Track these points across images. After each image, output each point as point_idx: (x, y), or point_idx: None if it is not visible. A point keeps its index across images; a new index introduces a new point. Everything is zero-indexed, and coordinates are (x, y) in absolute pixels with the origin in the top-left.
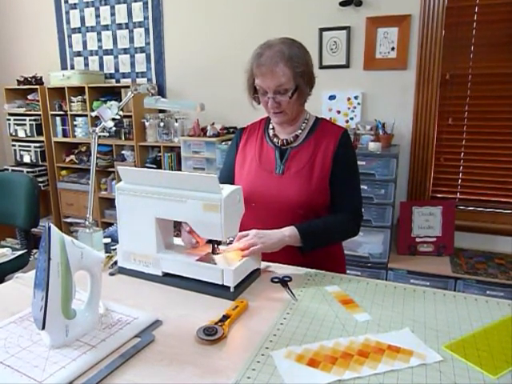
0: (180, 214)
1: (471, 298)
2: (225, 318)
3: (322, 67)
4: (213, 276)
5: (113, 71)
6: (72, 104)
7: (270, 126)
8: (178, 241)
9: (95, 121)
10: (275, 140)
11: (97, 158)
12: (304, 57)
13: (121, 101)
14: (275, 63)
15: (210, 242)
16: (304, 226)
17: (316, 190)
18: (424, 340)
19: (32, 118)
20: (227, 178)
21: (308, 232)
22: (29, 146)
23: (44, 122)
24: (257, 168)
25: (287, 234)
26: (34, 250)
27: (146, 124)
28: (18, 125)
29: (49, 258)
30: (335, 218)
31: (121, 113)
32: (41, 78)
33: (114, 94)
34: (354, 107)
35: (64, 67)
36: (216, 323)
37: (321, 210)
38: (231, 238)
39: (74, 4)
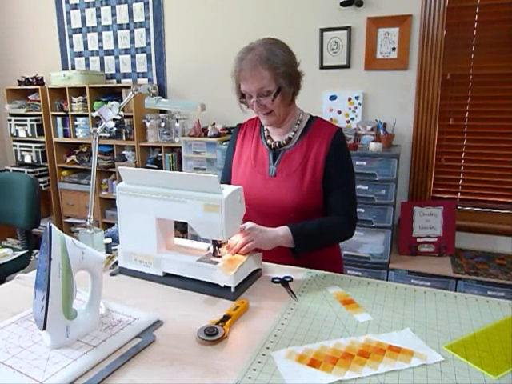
0: (181, 215)
1: (472, 298)
2: (225, 318)
3: (322, 67)
4: (213, 276)
5: (114, 71)
6: (73, 104)
7: (265, 127)
8: (178, 241)
9: (96, 121)
10: (269, 141)
11: (98, 158)
12: (285, 57)
13: (122, 101)
14: (254, 66)
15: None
16: (297, 228)
17: (308, 192)
18: (425, 340)
19: (33, 118)
20: (228, 178)
21: (301, 234)
22: (30, 147)
23: (45, 122)
24: (251, 169)
25: (281, 233)
26: (35, 251)
27: (147, 124)
28: (18, 125)
29: (50, 259)
30: (329, 220)
31: (122, 113)
32: (42, 78)
33: (114, 94)
34: (355, 107)
35: (65, 67)
36: (217, 323)
37: (313, 213)
38: (232, 239)
39: (75, 4)
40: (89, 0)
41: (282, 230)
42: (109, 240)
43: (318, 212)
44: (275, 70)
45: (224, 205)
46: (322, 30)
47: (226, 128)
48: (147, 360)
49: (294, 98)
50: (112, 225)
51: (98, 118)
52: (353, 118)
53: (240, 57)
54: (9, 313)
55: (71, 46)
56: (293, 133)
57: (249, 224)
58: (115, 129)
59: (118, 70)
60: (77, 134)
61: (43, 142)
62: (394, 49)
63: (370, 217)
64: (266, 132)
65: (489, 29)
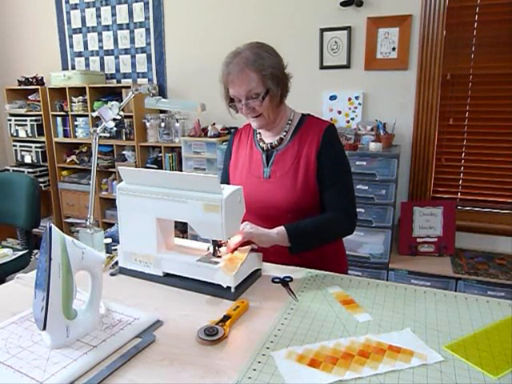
0: (181, 215)
1: (472, 298)
2: (225, 318)
3: (322, 67)
4: (213, 276)
5: (114, 71)
6: (73, 104)
7: (258, 130)
8: (178, 241)
9: (96, 121)
10: (261, 144)
11: (98, 158)
12: (272, 59)
13: (122, 101)
14: (241, 70)
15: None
16: (292, 226)
17: (302, 192)
18: (425, 340)
19: (33, 118)
20: (226, 180)
21: (296, 232)
22: (30, 147)
23: (45, 122)
24: (247, 173)
25: (275, 231)
26: (35, 251)
27: (147, 124)
28: (18, 125)
29: (50, 259)
30: (325, 217)
31: (122, 113)
32: (42, 78)
33: (114, 94)
34: (355, 107)
35: (65, 67)
36: (217, 323)
37: (311, 213)
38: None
39: (75, 4)
40: (89, 0)
41: (277, 229)
42: (109, 240)
43: (315, 211)
44: (262, 71)
45: (224, 205)
46: (322, 30)
47: (226, 128)
48: (147, 360)
49: (283, 99)
50: (112, 225)
51: (98, 118)
52: (353, 118)
53: (227, 61)
54: (9, 313)
55: (71, 46)
56: (284, 133)
57: (245, 222)
58: (115, 129)
59: (117, 69)
60: (77, 134)
61: (43, 142)
62: (394, 49)
63: (369, 217)
64: (258, 135)
65: (489, 29)
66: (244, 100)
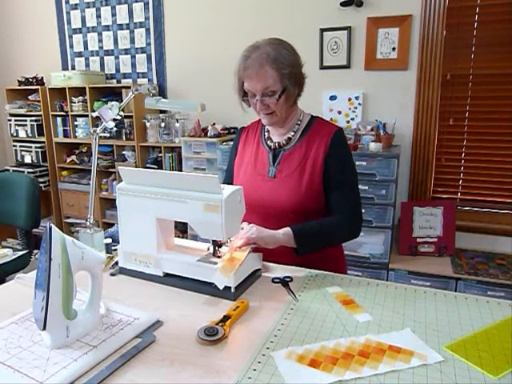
0: (181, 215)
1: (472, 298)
2: (225, 318)
3: (322, 67)
4: (213, 276)
5: (114, 72)
6: (73, 104)
7: (266, 129)
8: (178, 241)
9: (96, 121)
10: (269, 142)
11: (98, 158)
12: (291, 58)
13: (122, 101)
14: (261, 65)
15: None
16: (298, 227)
17: (307, 193)
18: (425, 340)
19: (33, 118)
20: (230, 181)
21: (302, 233)
22: (30, 147)
23: (45, 122)
24: (252, 171)
25: (282, 232)
26: (35, 251)
27: (147, 124)
28: (18, 125)
29: (50, 259)
30: (332, 220)
31: (122, 113)
32: (42, 78)
33: (114, 94)
34: (355, 107)
35: (65, 67)
36: (217, 324)
37: (313, 214)
38: (232, 239)
39: (75, 4)
40: (89, 0)
41: (283, 230)
42: (109, 240)
43: (318, 213)
44: (281, 70)
45: (224, 205)
46: (322, 30)
47: (226, 128)
48: (147, 360)
49: (297, 99)
50: (112, 225)
51: (98, 118)
52: (353, 118)
53: (246, 55)
54: (9, 313)
55: (71, 46)
56: (292, 133)
57: (252, 227)
58: (115, 129)
59: (118, 70)
60: (77, 134)
61: (43, 142)
62: (394, 49)
63: (369, 217)
64: (266, 133)
65: (489, 29)
66: (259, 96)
